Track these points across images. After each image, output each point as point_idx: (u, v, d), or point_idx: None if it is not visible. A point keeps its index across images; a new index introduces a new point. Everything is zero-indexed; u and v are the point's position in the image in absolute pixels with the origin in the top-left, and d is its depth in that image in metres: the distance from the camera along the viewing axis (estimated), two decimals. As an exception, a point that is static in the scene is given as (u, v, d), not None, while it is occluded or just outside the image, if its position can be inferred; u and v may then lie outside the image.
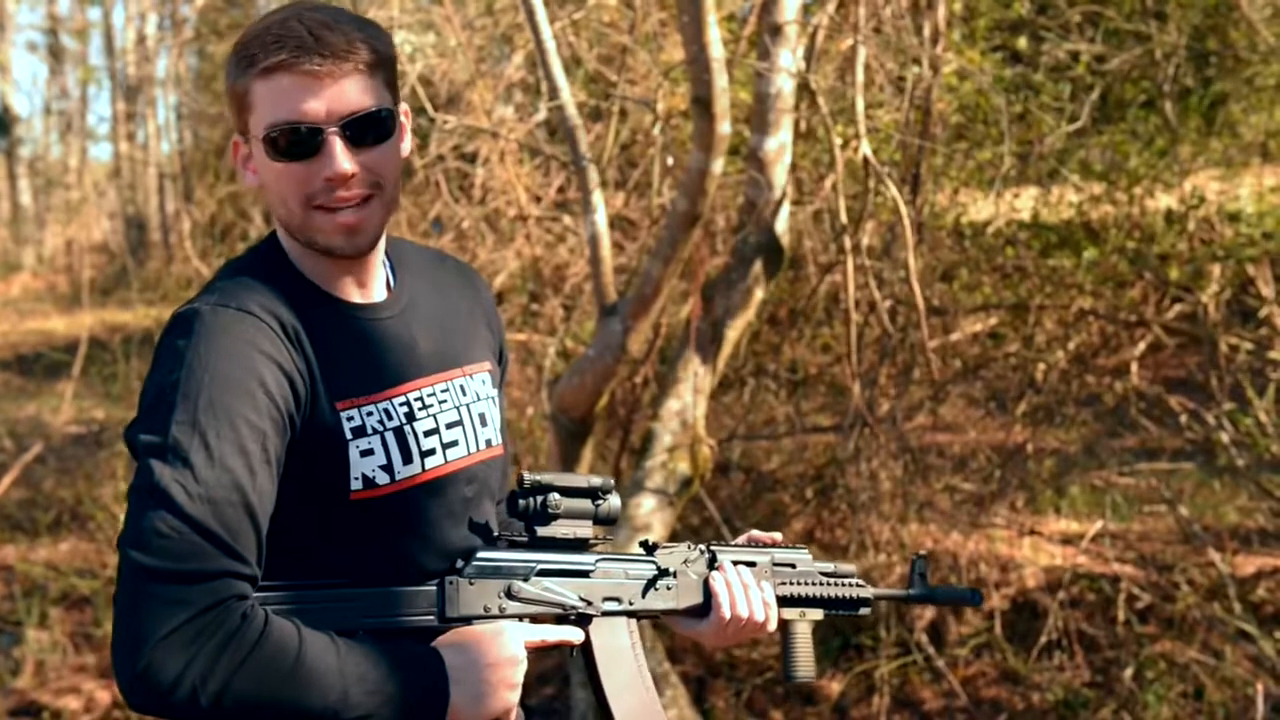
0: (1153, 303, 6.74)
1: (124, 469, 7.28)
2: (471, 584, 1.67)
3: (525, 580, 1.70)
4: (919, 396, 6.25)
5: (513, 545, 1.74)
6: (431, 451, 1.69)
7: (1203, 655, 5.17)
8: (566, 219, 6.46)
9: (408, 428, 1.67)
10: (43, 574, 7.00)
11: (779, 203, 4.90)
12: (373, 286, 1.72)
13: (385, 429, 1.65)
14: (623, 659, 1.77)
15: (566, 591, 1.74)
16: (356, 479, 1.62)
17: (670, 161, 6.06)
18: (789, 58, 4.80)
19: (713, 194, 4.46)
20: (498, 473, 1.83)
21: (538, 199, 6.44)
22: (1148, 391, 6.52)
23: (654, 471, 4.74)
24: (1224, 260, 6.30)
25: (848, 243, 5.35)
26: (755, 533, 2.02)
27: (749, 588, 1.88)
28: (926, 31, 5.70)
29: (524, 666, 1.63)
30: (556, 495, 1.73)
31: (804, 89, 5.11)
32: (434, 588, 1.65)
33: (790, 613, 1.96)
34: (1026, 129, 6.31)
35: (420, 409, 1.69)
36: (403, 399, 1.68)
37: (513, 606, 1.68)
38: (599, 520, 1.77)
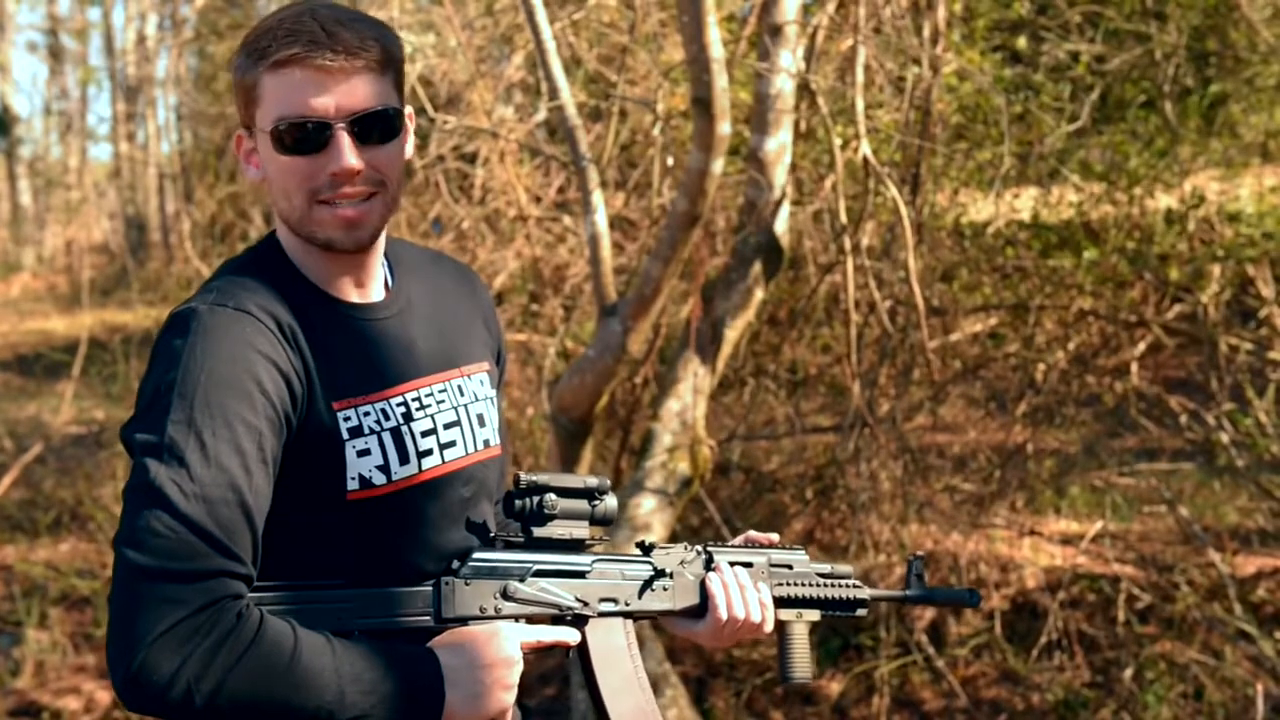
0: (1153, 303, 6.73)
1: (124, 469, 7.26)
2: (468, 585, 1.67)
3: (521, 581, 1.70)
4: (919, 397, 6.24)
5: (509, 546, 1.73)
6: (429, 452, 1.68)
7: (1203, 655, 5.16)
8: (566, 219, 6.46)
9: (405, 428, 1.66)
10: (43, 574, 7.00)
11: (779, 203, 4.90)
12: (371, 286, 1.72)
13: (382, 429, 1.64)
14: (619, 660, 1.77)
15: (563, 592, 1.73)
16: (353, 479, 1.62)
17: (670, 162, 6.05)
18: (789, 58, 4.81)
19: (713, 194, 4.45)
20: (495, 473, 1.82)
21: (538, 199, 6.44)
22: (1148, 392, 6.52)
23: (654, 472, 4.74)
24: (1224, 260, 6.30)
25: (848, 243, 5.35)
26: (752, 533, 2.02)
27: (745, 589, 1.88)
28: (926, 32, 5.69)
29: (520, 667, 1.63)
30: (553, 496, 1.72)
31: (804, 89, 5.11)
32: (430, 588, 1.65)
33: (787, 614, 1.96)
34: (1026, 129, 6.30)
35: (418, 409, 1.69)
36: (400, 399, 1.68)
37: (509, 607, 1.68)
38: (595, 521, 1.77)
